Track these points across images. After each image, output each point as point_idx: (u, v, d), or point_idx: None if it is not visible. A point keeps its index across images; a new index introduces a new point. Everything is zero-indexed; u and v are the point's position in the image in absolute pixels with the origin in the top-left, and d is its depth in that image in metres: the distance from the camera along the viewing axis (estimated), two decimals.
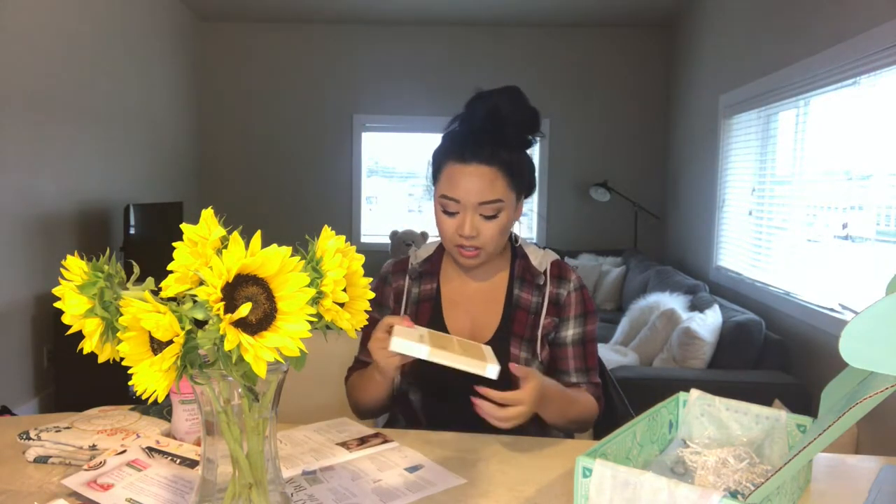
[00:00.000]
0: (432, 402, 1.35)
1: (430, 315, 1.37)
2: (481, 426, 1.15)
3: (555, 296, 1.35)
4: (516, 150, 1.28)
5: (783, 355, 2.88)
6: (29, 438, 1.08)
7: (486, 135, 1.25)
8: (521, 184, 1.30)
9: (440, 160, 1.30)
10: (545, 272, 1.36)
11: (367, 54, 5.66)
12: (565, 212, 5.73)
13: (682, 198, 5.17)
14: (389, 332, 1.10)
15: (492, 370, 1.01)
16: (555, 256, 1.40)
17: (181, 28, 5.30)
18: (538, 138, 1.32)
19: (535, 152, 6.02)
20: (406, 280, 1.41)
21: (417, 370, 1.32)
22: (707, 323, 2.96)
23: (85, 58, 3.83)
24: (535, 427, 1.33)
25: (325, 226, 0.68)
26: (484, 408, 1.08)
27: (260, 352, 0.60)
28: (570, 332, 1.34)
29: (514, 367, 1.13)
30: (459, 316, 1.37)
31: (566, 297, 1.35)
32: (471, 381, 1.20)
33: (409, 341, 1.01)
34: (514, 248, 1.40)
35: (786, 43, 3.37)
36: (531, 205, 5.66)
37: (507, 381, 1.12)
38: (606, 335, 3.75)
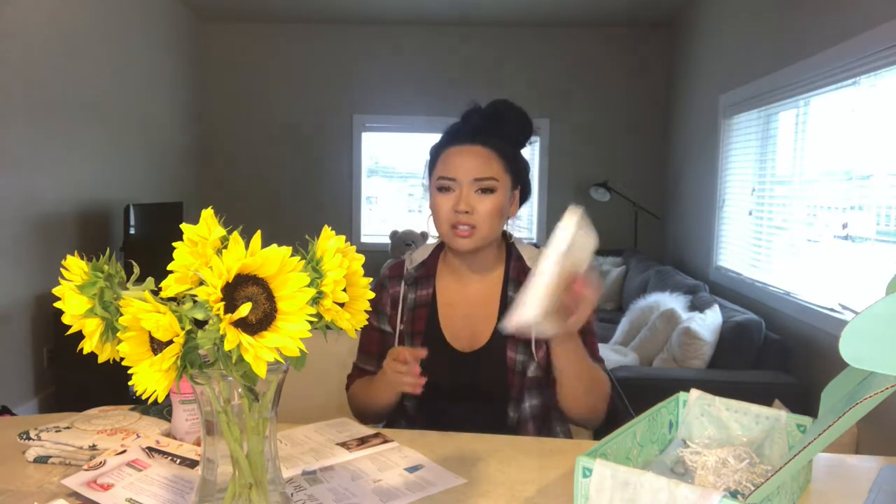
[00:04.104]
0: (429, 403, 1.35)
1: (426, 320, 1.37)
2: (477, 425, 1.16)
3: None
4: (512, 144, 1.34)
5: (783, 355, 2.88)
6: (29, 438, 1.08)
7: (484, 124, 1.33)
8: (517, 173, 1.34)
9: (437, 150, 1.35)
10: None
11: (367, 54, 5.66)
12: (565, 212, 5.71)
13: (682, 198, 5.17)
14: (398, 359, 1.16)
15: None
16: None
17: (181, 28, 5.30)
18: (531, 142, 1.40)
19: (534, 153, 6.01)
20: (402, 286, 1.41)
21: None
22: (707, 323, 2.96)
23: (85, 58, 3.83)
24: (535, 427, 1.33)
25: (325, 226, 0.68)
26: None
27: (260, 352, 0.60)
28: None
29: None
30: (455, 319, 1.37)
31: None
32: (464, 384, 1.23)
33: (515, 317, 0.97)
34: (509, 249, 1.40)
35: (786, 43, 3.37)
36: (531, 204, 5.67)
37: (548, 365, 1.26)
38: (606, 335, 3.75)
